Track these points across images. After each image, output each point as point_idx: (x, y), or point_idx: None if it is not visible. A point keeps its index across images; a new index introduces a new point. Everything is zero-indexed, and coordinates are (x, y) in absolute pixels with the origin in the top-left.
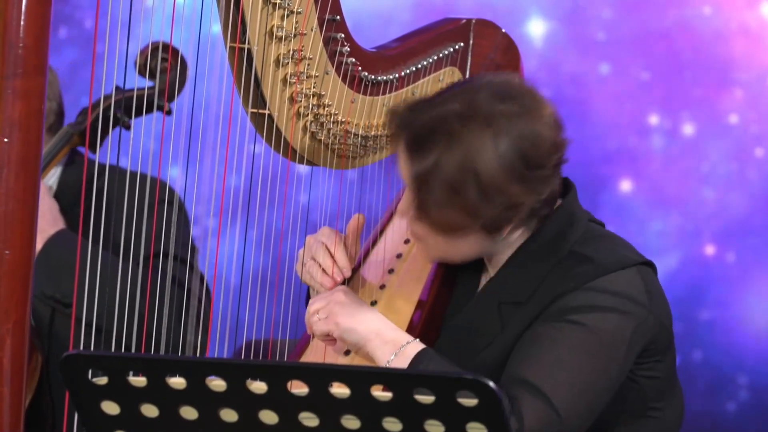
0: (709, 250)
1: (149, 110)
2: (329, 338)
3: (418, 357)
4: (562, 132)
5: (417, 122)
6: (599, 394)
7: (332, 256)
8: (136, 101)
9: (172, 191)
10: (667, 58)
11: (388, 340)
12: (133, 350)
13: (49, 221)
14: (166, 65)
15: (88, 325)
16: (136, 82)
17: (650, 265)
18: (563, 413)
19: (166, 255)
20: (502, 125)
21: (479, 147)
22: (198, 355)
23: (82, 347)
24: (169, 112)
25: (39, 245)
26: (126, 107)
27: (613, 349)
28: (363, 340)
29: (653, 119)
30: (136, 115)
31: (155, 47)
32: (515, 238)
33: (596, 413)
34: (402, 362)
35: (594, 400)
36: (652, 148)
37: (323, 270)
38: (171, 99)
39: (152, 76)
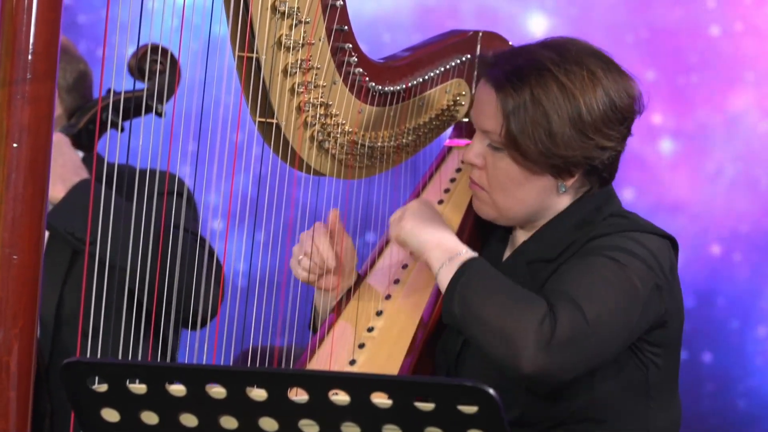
0: (716, 250)
1: (142, 112)
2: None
3: (462, 268)
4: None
5: (513, 62)
6: (619, 328)
7: (318, 247)
8: (129, 103)
9: (182, 182)
10: (673, 57)
11: (446, 249)
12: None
13: (70, 170)
14: (158, 67)
15: (102, 262)
16: (124, 84)
17: (675, 247)
18: (591, 323)
19: (176, 227)
20: (599, 73)
21: (580, 86)
22: (211, 301)
23: (95, 284)
24: (160, 114)
25: (61, 192)
26: (118, 109)
27: (637, 293)
28: (423, 244)
29: (657, 118)
30: (129, 118)
31: (148, 49)
32: (560, 206)
33: (614, 346)
34: (449, 269)
35: (615, 329)
36: (656, 148)
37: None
38: (162, 101)
39: (145, 78)
